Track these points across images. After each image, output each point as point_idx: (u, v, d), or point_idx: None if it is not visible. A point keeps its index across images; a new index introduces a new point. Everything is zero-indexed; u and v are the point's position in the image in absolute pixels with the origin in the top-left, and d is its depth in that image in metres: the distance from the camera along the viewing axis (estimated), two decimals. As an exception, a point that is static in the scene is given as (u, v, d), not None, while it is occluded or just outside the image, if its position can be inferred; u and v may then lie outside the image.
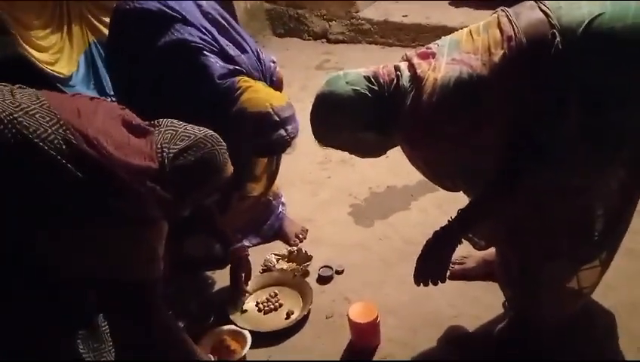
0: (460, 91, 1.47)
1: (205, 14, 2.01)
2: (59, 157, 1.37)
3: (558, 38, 1.39)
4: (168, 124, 1.57)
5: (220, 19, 2.03)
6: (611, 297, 1.91)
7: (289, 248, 2.37)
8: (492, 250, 1.97)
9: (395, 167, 2.77)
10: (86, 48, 3.87)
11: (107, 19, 3.78)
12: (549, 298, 1.70)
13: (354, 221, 2.55)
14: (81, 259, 1.45)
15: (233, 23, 2.07)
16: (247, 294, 2.14)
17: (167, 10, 1.95)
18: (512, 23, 1.47)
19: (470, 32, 1.56)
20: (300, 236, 2.45)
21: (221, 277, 2.28)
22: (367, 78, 1.57)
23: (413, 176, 2.66)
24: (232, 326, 2.00)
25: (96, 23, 3.86)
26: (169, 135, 1.54)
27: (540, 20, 1.43)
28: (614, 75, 1.38)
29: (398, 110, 1.55)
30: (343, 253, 2.35)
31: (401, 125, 1.56)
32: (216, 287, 2.27)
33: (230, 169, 1.60)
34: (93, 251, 1.45)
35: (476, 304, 2.03)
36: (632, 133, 1.45)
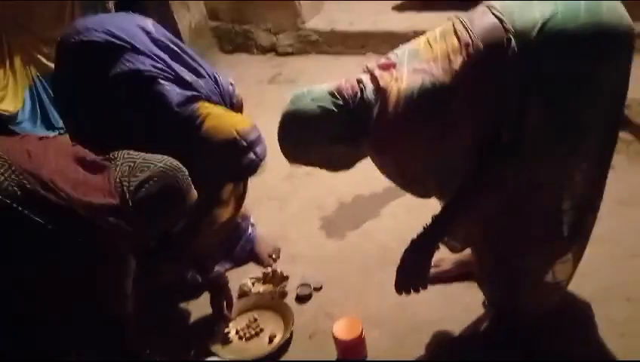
0: (424, 100, 1.48)
1: (155, 41, 1.95)
2: (14, 205, 1.32)
3: (513, 42, 1.42)
4: (125, 156, 1.54)
5: (171, 45, 1.98)
6: (585, 286, 1.94)
7: (264, 270, 2.33)
8: (467, 250, 1.99)
9: (361, 176, 2.75)
10: (30, 83, 3.76)
11: (49, 52, 3.72)
12: (527, 294, 1.73)
13: (325, 234, 2.54)
14: (53, 300, 1.43)
15: (185, 47, 2.03)
16: (229, 322, 2.09)
17: (114, 40, 1.88)
18: (467, 30, 1.49)
19: (428, 40, 1.58)
20: (274, 256, 2.42)
21: (196, 308, 2.23)
22: (332, 94, 1.56)
23: (379, 183, 2.69)
24: (215, 359, 1.95)
25: (38, 56, 3.75)
26: (127, 167, 1.50)
27: (494, 25, 1.46)
28: (569, 74, 1.42)
29: (365, 122, 1.55)
30: (319, 267, 2.33)
31: (370, 137, 1.56)
32: (192, 319, 2.21)
33: (194, 194, 1.58)
34: (62, 292, 1.43)
35: (457, 305, 2.04)
36: (590, 126, 1.49)
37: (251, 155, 1.87)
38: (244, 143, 1.84)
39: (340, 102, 1.55)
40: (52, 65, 3.73)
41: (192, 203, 1.59)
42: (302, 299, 2.20)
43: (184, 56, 1.98)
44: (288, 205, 2.74)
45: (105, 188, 1.46)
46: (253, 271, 2.38)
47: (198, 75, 1.96)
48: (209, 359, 1.94)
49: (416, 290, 1.67)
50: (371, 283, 2.21)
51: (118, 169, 1.50)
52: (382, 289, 2.13)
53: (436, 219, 1.64)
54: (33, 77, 3.80)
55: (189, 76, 1.93)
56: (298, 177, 2.87)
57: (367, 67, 1.63)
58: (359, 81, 1.59)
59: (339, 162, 1.68)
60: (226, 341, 2.05)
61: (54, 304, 1.46)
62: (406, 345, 1.94)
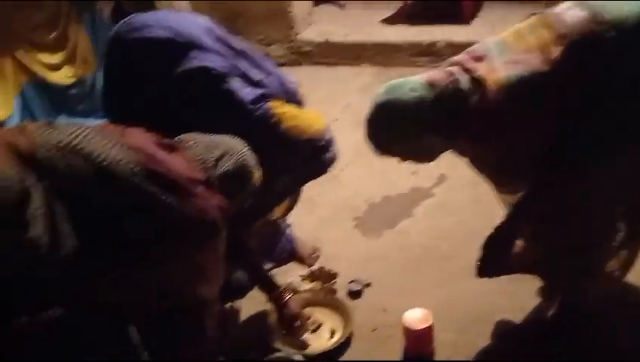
0: (525, 89, 1.53)
1: (218, 39, 1.92)
2: (130, 177, 1.30)
3: (609, 34, 1.50)
4: (193, 137, 1.57)
5: (234, 42, 1.96)
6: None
7: (310, 268, 2.32)
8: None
9: (385, 177, 2.84)
10: (21, 90, 3.61)
11: (42, 58, 3.59)
12: (590, 282, 1.81)
13: (361, 234, 2.56)
14: (151, 286, 1.42)
15: (246, 45, 2.01)
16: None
17: (177, 37, 1.84)
18: (560, 22, 1.57)
19: (516, 33, 1.64)
20: (314, 255, 2.41)
21: (245, 306, 2.20)
22: (426, 84, 1.60)
23: (404, 184, 2.76)
24: (283, 355, 1.92)
25: (29, 62, 3.61)
26: (201, 147, 1.54)
27: (588, 18, 1.54)
28: None
29: (462, 113, 1.59)
30: (362, 266, 2.34)
31: (468, 127, 1.60)
32: (245, 316, 2.18)
33: (260, 175, 1.63)
34: (166, 274, 1.42)
35: (511, 296, 2.09)
36: None
37: (329, 153, 1.88)
38: (323, 142, 1.85)
39: (436, 93, 1.59)
40: (43, 72, 3.65)
41: (257, 185, 1.62)
42: (354, 295, 2.21)
43: (248, 53, 1.96)
44: (318, 208, 2.74)
45: (187, 165, 1.46)
46: (294, 270, 2.37)
47: (266, 72, 1.95)
48: (277, 355, 1.90)
49: (499, 274, 1.71)
50: (420, 279, 2.24)
51: (192, 149, 1.53)
52: (432, 285, 2.19)
53: (519, 206, 1.69)
54: (24, 84, 3.65)
55: (256, 74, 1.91)
56: (325, 180, 2.86)
57: (453, 60, 1.67)
58: (449, 73, 1.63)
59: (426, 153, 1.71)
60: (287, 337, 2.02)
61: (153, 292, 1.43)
62: (470, 336, 1.98)
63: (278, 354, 1.92)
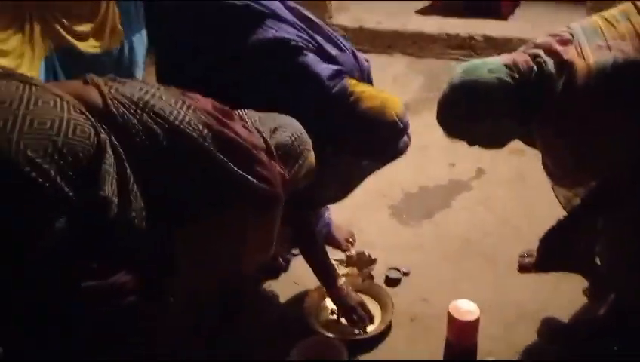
0: (617, 76, 1.45)
1: (291, 9, 1.85)
2: (200, 140, 1.23)
3: None
4: (245, 110, 1.53)
5: (309, 14, 1.88)
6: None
7: (347, 252, 2.25)
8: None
9: (419, 168, 2.77)
10: (47, 54, 3.54)
11: (71, 26, 3.52)
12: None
13: (398, 222, 2.49)
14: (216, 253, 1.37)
15: (319, 19, 1.93)
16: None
17: (254, 4, 1.76)
18: None
19: (607, 19, 1.56)
20: (351, 240, 2.35)
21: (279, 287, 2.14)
22: (508, 66, 1.54)
23: (442, 175, 2.69)
24: (321, 337, 1.85)
25: (59, 28, 3.53)
26: (255, 117, 1.52)
27: None
28: None
29: (544, 97, 1.52)
30: (398, 255, 2.28)
31: (550, 112, 1.53)
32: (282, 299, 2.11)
33: (313, 157, 1.59)
34: (230, 239, 1.37)
35: (557, 294, 2.03)
36: None
37: (406, 138, 1.81)
38: (402, 126, 1.78)
39: (517, 75, 1.53)
40: (72, 39, 3.58)
41: (313, 165, 1.58)
42: (392, 282, 2.14)
43: (323, 28, 1.89)
44: (354, 194, 2.65)
45: (247, 132, 1.42)
46: (330, 254, 2.29)
47: (340, 48, 1.87)
48: (314, 338, 1.84)
49: (557, 269, 1.64)
50: (461, 272, 2.18)
51: (248, 118, 1.49)
52: (474, 278, 2.13)
53: (586, 201, 1.62)
54: (51, 49, 3.58)
55: (332, 50, 1.84)
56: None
57: (537, 43, 1.60)
58: (534, 55, 1.56)
59: (498, 139, 1.64)
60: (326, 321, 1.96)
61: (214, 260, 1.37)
62: (514, 333, 1.91)
63: (316, 338, 1.84)
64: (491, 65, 1.53)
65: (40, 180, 1.02)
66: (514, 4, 4.31)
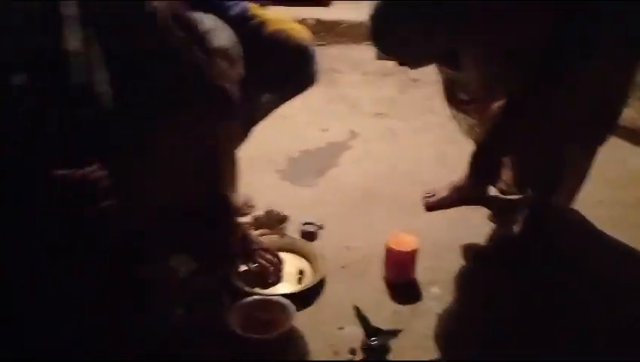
0: None
1: None
2: (167, 22, 1.03)
3: None
4: None
5: None
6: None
7: (254, 214, 2.06)
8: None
9: (294, 135, 2.70)
10: None
11: None
12: (567, 184, 1.87)
13: (292, 184, 2.37)
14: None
15: None
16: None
17: None
18: None
19: None
20: (249, 204, 2.15)
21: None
22: None
23: (317, 140, 2.65)
24: (259, 296, 1.64)
25: None
26: None
27: None
28: None
29: (470, 3, 1.53)
30: (304, 212, 2.12)
31: (477, 16, 1.54)
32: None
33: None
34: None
35: (467, 225, 2.07)
36: None
37: (315, 65, 1.68)
38: (310, 52, 1.64)
39: None
40: None
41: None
42: (308, 236, 2.00)
43: None
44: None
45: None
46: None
47: None
48: (252, 298, 1.61)
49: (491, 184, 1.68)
50: (372, 218, 2.13)
51: None
52: (387, 221, 2.09)
53: (498, 121, 1.68)
54: None
55: None
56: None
57: None
58: None
59: (428, 52, 1.62)
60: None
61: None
62: (446, 263, 1.89)
63: (253, 298, 1.62)
64: None
65: None
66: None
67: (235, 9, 1.57)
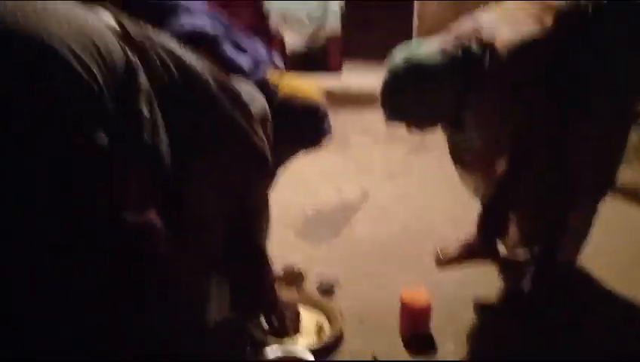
0: (532, 47, 1.67)
1: (201, 4, 1.81)
2: (211, 86, 1.19)
3: (589, 7, 1.72)
4: None
5: (217, 12, 1.85)
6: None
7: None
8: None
9: (308, 194, 2.82)
10: None
11: None
12: (570, 244, 1.97)
13: (307, 241, 2.47)
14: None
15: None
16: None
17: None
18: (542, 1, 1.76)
19: (503, 9, 1.80)
20: (296, 272, 2.23)
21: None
22: (441, 48, 1.68)
23: (331, 199, 2.76)
24: (286, 348, 1.71)
25: None
26: None
27: None
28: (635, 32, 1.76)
29: (474, 70, 1.68)
30: (320, 269, 2.21)
31: (481, 84, 1.68)
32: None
33: None
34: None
35: (478, 282, 2.15)
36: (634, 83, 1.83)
37: (325, 124, 1.81)
38: (324, 110, 1.79)
39: (449, 54, 1.68)
40: None
41: None
42: (327, 292, 2.07)
43: (229, 21, 1.86)
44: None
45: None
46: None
47: (253, 42, 1.85)
48: (276, 348, 1.69)
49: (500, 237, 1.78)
50: (388, 276, 2.20)
51: None
52: (403, 278, 2.16)
53: (503, 181, 1.80)
54: None
55: (245, 43, 1.81)
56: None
57: (455, 30, 1.77)
58: (457, 37, 1.72)
59: (437, 115, 1.76)
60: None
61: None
62: (459, 317, 1.95)
63: (278, 351, 1.69)
64: (427, 47, 1.68)
65: (85, 76, 0.84)
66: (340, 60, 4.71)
67: (257, 77, 1.73)
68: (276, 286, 1.82)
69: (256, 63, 1.75)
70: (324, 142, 1.83)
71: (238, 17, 1.90)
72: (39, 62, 0.81)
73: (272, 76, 1.77)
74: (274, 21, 1.98)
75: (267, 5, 3.11)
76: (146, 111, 0.93)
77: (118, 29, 1.00)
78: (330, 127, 1.84)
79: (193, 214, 1.12)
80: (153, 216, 0.96)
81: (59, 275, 0.87)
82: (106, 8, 1.03)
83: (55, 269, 0.87)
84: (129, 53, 0.95)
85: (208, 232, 1.21)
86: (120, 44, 0.95)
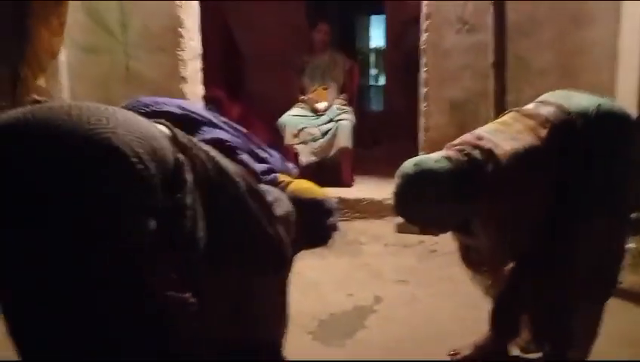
0: (531, 157, 1.84)
1: (224, 122, 2.02)
2: (241, 188, 1.32)
3: (578, 120, 1.91)
4: None
5: (238, 127, 2.06)
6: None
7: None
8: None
9: (321, 299, 2.90)
10: None
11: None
12: (581, 338, 2.02)
13: (323, 344, 2.52)
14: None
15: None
16: None
17: (190, 113, 1.91)
18: (537, 114, 1.95)
19: (499, 124, 2.00)
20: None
21: None
22: (447, 157, 1.86)
23: (343, 303, 2.84)
24: None
25: None
26: None
27: (557, 110, 1.94)
28: (620, 143, 1.94)
29: (478, 179, 1.84)
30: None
31: (484, 191, 1.84)
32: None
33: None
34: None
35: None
36: (624, 189, 1.99)
37: (332, 219, 1.94)
38: (330, 206, 1.93)
39: (455, 164, 1.86)
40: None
41: None
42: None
43: (253, 138, 2.05)
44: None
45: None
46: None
47: (268, 153, 2.03)
48: None
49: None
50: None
51: None
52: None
53: (510, 281, 1.91)
54: None
55: (261, 152, 2.00)
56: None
57: (459, 141, 1.96)
58: (462, 149, 1.90)
59: (446, 220, 1.91)
60: None
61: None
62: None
63: None
64: (434, 158, 1.86)
65: (144, 174, 1.00)
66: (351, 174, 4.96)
67: (269, 179, 1.89)
68: None
69: (270, 170, 1.92)
70: (332, 236, 1.95)
71: (256, 133, 2.09)
72: (106, 159, 0.99)
73: (284, 177, 1.94)
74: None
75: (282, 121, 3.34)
76: (189, 201, 1.09)
77: (170, 134, 1.18)
78: (337, 223, 1.97)
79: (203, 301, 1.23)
80: (189, 296, 1.09)
81: (109, 348, 0.98)
82: (161, 123, 1.23)
83: (105, 342, 0.98)
84: (177, 153, 1.13)
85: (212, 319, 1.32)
86: (171, 146, 1.13)
